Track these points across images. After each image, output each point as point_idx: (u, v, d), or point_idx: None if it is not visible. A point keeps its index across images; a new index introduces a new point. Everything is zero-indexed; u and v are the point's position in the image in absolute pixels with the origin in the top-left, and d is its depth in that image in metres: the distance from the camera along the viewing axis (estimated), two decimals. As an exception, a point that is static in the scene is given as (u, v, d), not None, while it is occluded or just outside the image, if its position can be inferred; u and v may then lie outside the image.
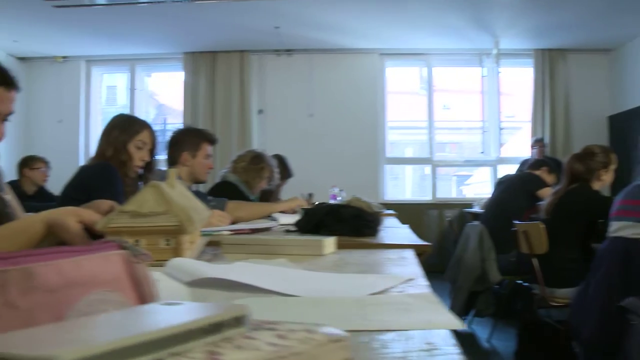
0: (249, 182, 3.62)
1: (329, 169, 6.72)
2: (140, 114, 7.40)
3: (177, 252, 1.23)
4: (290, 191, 5.01)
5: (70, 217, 1.23)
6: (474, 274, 4.37)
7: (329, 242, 1.51)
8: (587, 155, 3.36)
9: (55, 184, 5.63)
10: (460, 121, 8.13)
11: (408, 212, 5.77)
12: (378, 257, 1.47)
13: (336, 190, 5.30)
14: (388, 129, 7.39)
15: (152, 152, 2.64)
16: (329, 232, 1.90)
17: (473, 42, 6.75)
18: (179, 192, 1.36)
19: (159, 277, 1.00)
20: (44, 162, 5.56)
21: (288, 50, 7.06)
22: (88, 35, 6.58)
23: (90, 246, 0.56)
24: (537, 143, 6.47)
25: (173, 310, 0.38)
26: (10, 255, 0.49)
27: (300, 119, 7.04)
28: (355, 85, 7.14)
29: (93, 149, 7.59)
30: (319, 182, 5.78)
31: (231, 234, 1.95)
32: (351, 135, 7.04)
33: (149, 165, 2.64)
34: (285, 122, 7.07)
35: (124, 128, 2.57)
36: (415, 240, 1.98)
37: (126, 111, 7.33)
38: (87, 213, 1.27)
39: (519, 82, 7.52)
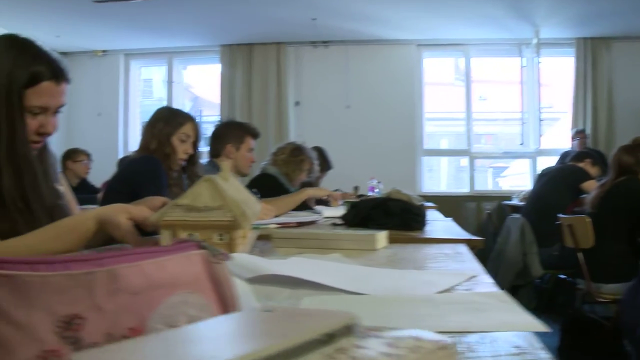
0: (289, 174, 3.61)
1: (366, 161, 6.67)
2: (178, 106, 7.44)
3: (230, 247, 1.22)
4: (328, 183, 4.99)
5: (121, 214, 1.24)
6: (515, 267, 4.31)
7: (381, 237, 1.48)
8: (637, 147, 3.26)
9: (95, 176, 5.73)
10: (498, 112, 7.99)
11: (445, 205, 5.69)
12: (432, 252, 1.44)
13: (374, 183, 5.26)
14: (425, 120, 7.31)
15: (195, 145, 2.64)
16: (377, 226, 1.88)
17: (512, 31, 6.62)
18: (232, 185, 1.35)
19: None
20: (86, 154, 5.67)
21: (324, 42, 7.02)
22: (126, 29, 6.65)
23: (170, 246, 0.55)
24: (579, 134, 6.32)
25: (279, 319, 0.36)
26: (96, 256, 0.48)
27: (337, 110, 7.01)
28: (392, 77, 7.07)
29: (132, 142, 7.68)
30: (355, 174, 5.75)
31: (279, 227, 1.94)
32: (388, 127, 6.98)
33: (192, 158, 2.64)
34: (322, 114, 7.04)
35: (168, 121, 2.58)
36: (464, 234, 1.95)
37: (163, 104, 7.39)
38: (138, 210, 1.27)
39: (559, 71, 7.35)
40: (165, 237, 1.19)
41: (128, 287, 0.48)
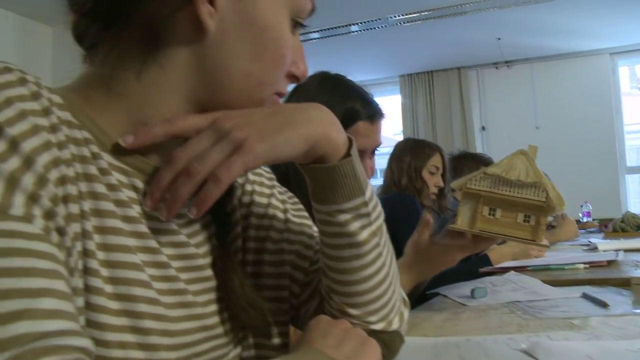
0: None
1: (563, 183, 6.13)
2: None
3: (534, 233, 1.05)
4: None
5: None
6: None
7: None
8: None
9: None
10: None
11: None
12: None
13: (590, 207, 4.83)
14: (626, 134, 6.66)
15: (444, 176, 2.49)
16: None
17: None
18: None
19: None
20: None
21: (507, 62, 6.69)
22: (311, 69, 6.74)
23: None
24: None
25: None
26: None
27: (526, 132, 6.58)
28: (584, 91, 6.55)
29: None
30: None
31: (588, 267, 1.70)
32: (583, 145, 6.44)
33: (442, 191, 2.49)
34: (510, 137, 6.65)
35: (415, 153, 2.45)
36: None
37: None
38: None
39: None
40: (465, 209, 1.08)
41: None
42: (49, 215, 0.46)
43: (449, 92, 6.75)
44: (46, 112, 0.49)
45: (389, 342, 0.73)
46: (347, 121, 1.30)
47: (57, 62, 5.12)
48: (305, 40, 5.83)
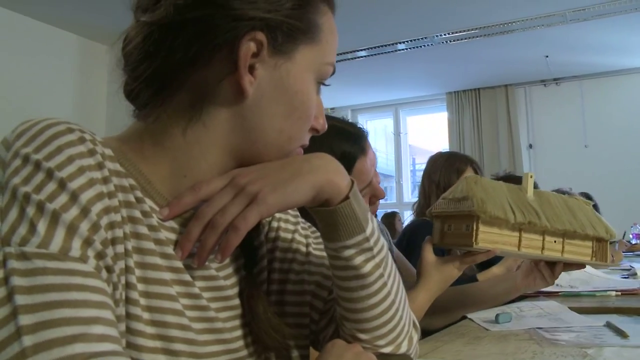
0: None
1: (612, 203, 6.05)
2: (405, 157, 7.48)
3: (469, 238, 1.16)
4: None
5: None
6: None
7: None
8: None
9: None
10: None
11: None
12: None
13: (638, 229, 4.75)
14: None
15: None
16: None
17: None
18: (542, 198, 1.27)
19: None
20: None
21: (555, 79, 6.64)
22: (352, 85, 6.84)
23: None
24: None
25: None
26: None
27: (574, 151, 6.52)
28: (635, 109, 6.44)
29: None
30: (604, 218, 5.20)
31: (619, 294, 1.72)
32: (634, 164, 6.32)
33: None
34: (557, 156, 6.60)
35: (446, 170, 2.39)
36: None
37: (390, 157, 7.48)
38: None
39: None
40: (435, 229, 1.25)
41: None
42: (100, 256, 0.56)
43: (496, 110, 6.74)
44: (100, 166, 0.60)
45: (397, 363, 0.80)
46: (345, 168, 1.35)
47: (112, 78, 5.36)
48: (352, 58, 5.93)
